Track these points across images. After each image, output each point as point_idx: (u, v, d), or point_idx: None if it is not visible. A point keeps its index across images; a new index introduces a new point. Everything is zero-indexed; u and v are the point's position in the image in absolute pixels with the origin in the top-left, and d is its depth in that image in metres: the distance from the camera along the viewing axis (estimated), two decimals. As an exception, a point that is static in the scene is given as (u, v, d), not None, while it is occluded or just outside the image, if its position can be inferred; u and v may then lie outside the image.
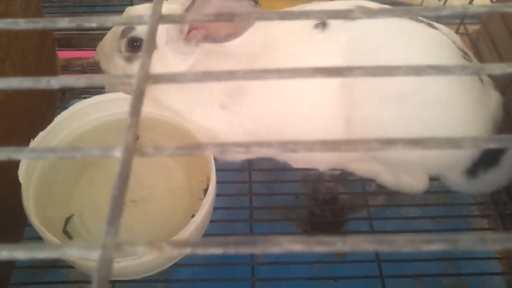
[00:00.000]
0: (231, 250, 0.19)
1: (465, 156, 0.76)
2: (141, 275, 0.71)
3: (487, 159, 0.75)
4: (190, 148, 0.25)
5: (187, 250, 0.20)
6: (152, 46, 0.30)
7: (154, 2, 0.32)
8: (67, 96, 1.02)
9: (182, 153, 0.24)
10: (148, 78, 0.27)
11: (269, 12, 0.35)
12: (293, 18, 0.32)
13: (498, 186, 0.78)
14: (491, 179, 0.76)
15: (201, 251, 0.19)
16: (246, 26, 0.71)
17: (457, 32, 0.94)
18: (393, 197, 0.94)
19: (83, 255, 0.20)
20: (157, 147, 0.24)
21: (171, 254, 0.52)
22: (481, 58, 0.88)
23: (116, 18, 0.34)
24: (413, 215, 0.94)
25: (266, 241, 0.19)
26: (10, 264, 0.75)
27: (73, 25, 0.28)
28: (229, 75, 0.27)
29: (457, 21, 0.97)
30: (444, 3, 1.01)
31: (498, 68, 0.25)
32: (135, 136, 0.24)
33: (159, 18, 0.32)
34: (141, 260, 0.65)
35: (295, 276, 0.79)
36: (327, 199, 1.01)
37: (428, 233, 0.87)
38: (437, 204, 0.91)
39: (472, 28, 0.96)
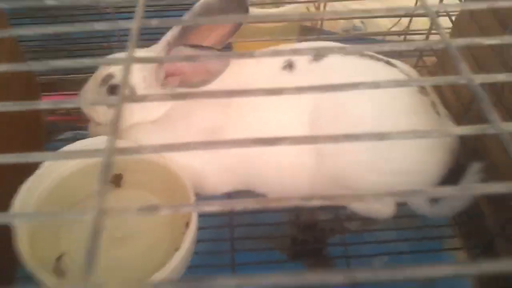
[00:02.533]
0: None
1: (427, 183, 0.82)
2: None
3: (446, 185, 0.81)
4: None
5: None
6: (126, 87, 0.36)
7: (129, 46, 0.38)
8: (50, 139, 1.07)
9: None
10: (114, 151, 0.32)
11: (235, 52, 0.42)
12: (260, 56, 0.38)
13: (456, 210, 0.85)
14: (450, 204, 0.83)
15: None
16: (217, 72, 0.78)
17: (416, 65, 1.02)
18: (368, 222, 1.00)
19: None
20: (125, 208, 0.29)
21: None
22: (438, 89, 0.95)
23: (98, 60, 0.40)
24: (389, 238, 1.00)
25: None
26: None
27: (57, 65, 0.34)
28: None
29: (417, 53, 1.05)
30: (404, 39, 1.10)
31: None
32: (104, 201, 0.29)
33: (132, 60, 0.38)
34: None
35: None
36: (308, 225, 1.07)
37: (403, 255, 0.93)
38: (411, 228, 0.97)
39: (431, 59, 1.04)
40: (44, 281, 0.70)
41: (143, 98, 0.35)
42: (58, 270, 0.80)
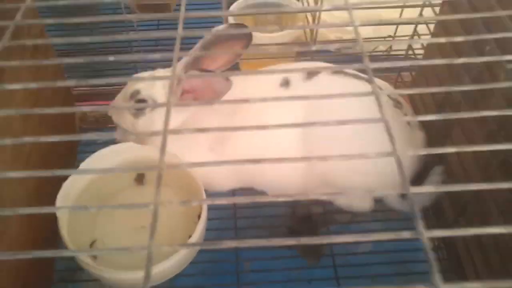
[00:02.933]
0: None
1: (397, 182, 0.98)
2: (153, 283, 0.91)
3: (414, 184, 0.97)
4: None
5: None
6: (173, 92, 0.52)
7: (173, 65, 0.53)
8: (82, 142, 1.24)
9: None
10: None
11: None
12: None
13: (423, 204, 1.01)
14: (417, 199, 0.99)
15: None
16: (222, 92, 0.94)
17: (396, 81, 1.18)
18: (356, 215, 1.13)
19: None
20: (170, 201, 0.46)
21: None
22: (415, 103, 1.11)
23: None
24: (374, 228, 1.15)
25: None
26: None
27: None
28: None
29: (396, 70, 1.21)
30: (389, 54, 1.26)
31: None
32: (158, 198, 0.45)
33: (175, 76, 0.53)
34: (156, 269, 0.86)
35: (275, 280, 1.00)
36: (304, 218, 1.22)
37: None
38: (393, 219, 1.11)
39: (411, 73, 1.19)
40: (83, 261, 0.87)
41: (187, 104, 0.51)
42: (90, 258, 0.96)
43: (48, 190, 0.95)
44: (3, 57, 0.82)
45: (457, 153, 0.92)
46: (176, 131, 0.44)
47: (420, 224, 0.35)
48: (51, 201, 0.90)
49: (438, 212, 0.98)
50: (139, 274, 0.85)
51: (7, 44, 0.53)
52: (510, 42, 0.69)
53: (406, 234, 0.36)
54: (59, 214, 0.91)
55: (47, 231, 0.94)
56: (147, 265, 0.35)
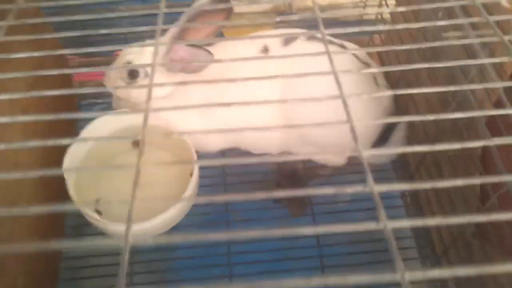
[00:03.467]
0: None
1: (368, 138, 1.10)
2: (152, 234, 1.04)
3: (381, 140, 1.09)
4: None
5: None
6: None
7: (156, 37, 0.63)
8: (81, 110, 1.35)
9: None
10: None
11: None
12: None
13: (390, 158, 1.13)
14: (385, 155, 1.11)
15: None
16: (205, 65, 1.04)
17: (368, 44, 1.27)
18: (337, 169, 1.25)
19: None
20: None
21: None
22: (384, 65, 1.21)
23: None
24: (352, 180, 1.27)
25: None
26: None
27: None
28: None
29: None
30: (362, 17, 1.35)
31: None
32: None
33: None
34: (151, 223, 0.99)
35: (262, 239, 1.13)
36: (288, 173, 1.34)
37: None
38: (372, 171, 1.23)
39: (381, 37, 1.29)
40: (89, 216, 0.99)
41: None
42: (96, 211, 1.09)
43: (54, 155, 1.06)
44: (5, 36, 0.91)
45: (417, 110, 1.03)
46: (157, 109, 0.54)
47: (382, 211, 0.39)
48: (59, 165, 1.02)
49: (404, 164, 1.11)
50: (139, 226, 0.98)
51: (12, 23, 0.62)
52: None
53: (371, 225, 0.39)
54: (67, 176, 1.02)
55: (57, 192, 1.06)
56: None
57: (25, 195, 0.90)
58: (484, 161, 0.79)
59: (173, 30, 1.10)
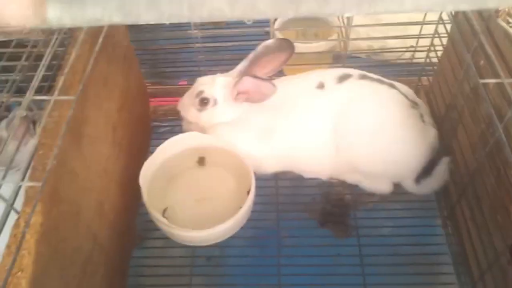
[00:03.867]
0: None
1: (412, 170, 1.19)
2: (211, 241, 1.17)
3: (425, 172, 1.18)
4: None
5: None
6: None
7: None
8: (153, 130, 1.53)
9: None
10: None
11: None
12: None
13: (433, 189, 1.21)
14: (428, 185, 1.19)
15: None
16: (269, 95, 1.18)
17: (417, 85, 1.38)
18: (383, 197, 1.29)
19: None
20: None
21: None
22: (430, 104, 1.31)
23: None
24: (396, 208, 1.34)
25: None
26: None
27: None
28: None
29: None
30: (411, 60, 1.46)
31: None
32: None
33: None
34: (212, 231, 1.12)
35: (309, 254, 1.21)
36: (336, 199, 1.41)
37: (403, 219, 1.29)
38: (414, 201, 1.27)
39: (426, 80, 1.39)
40: (161, 222, 1.14)
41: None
42: (164, 218, 1.23)
43: (133, 167, 1.23)
44: (107, 64, 1.10)
45: (460, 146, 1.12)
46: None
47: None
48: (135, 176, 1.18)
49: (446, 195, 1.19)
50: (201, 233, 1.12)
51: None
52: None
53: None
54: (142, 185, 1.18)
55: (132, 198, 1.22)
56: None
57: (110, 198, 1.06)
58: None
59: (241, 65, 1.27)
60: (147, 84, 1.47)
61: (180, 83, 1.61)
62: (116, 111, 1.14)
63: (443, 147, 1.20)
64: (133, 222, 1.26)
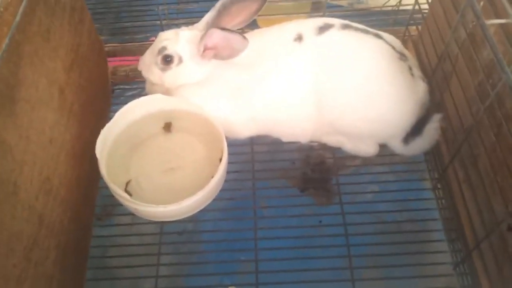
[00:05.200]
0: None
1: (401, 129, 1.08)
2: (181, 216, 1.05)
3: (414, 131, 1.07)
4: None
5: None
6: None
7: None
8: (115, 94, 1.37)
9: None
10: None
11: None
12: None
13: (423, 149, 1.11)
14: (418, 145, 1.09)
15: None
16: (240, 50, 1.04)
17: (404, 35, 1.25)
18: (367, 160, 1.20)
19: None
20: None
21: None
22: (419, 55, 1.19)
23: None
24: (381, 171, 1.25)
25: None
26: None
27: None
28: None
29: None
30: (398, 8, 1.32)
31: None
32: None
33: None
34: (180, 205, 1.00)
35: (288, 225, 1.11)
36: (317, 163, 1.31)
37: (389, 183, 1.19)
38: (401, 163, 1.18)
39: (415, 29, 1.26)
40: (122, 197, 1.01)
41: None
42: (127, 192, 1.10)
43: (87, 134, 1.08)
44: (49, 16, 0.94)
45: (453, 101, 1.01)
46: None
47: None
48: (92, 145, 1.04)
49: (437, 156, 1.08)
50: (168, 208, 1.00)
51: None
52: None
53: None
54: (99, 156, 1.04)
55: (89, 171, 1.08)
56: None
57: (58, 171, 0.93)
58: (524, 153, 0.76)
59: (207, 16, 1.11)
60: (104, 42, 1.30)
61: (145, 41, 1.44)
62: (63, 72, 0.99)
63: (434, 103, 1.09)
64: (91, 198, 1.13)
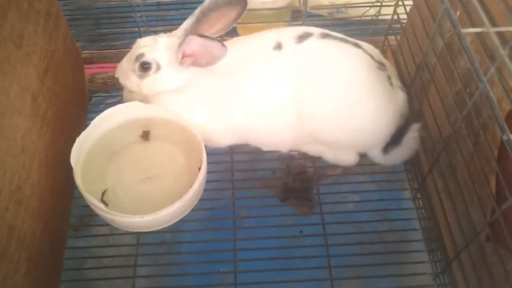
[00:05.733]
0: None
1: (380, 138, 1.08)
2: (158, 227, 1.03)
3: (394, 140, 1.07)
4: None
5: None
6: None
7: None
8: (91, 102, 1.35)
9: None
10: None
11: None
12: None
13: (402, 159, 1.11)
14: (397, 154, 1.08)
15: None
16: (219, 57, 1.03)
17: (383, 45, 1.25)
18: (347, 169, 1.19)
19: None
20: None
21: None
22: (398, 65, 1.19)
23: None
24: (361, 181, 1.24)
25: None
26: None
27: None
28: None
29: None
30: (377, 18, 1.33)
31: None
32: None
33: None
34: (157, 215, 0.98)
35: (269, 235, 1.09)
36: (298, 172, 1.29)
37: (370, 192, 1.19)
38: (381, 172, 1.18)
39: (394, 39, 1.27)
40: (96, 206, 0.98)
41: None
42: (103, 202, 1.07)
43: (61, 143, 1.06)
44: (22, 22, 0.91)
45: (432, 110, 1.01)
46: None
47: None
48: (66, 154, 1.01)
49: (416, 166, 1.08)
50: (145, 218, 0.97)
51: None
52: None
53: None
54: (74, 164, 1.01)
55: (64, 180, 1.05)
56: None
57: (31, 181, 0.90)
58: (501, 162, 0.76)
59: (186, 23, 1.10)
60: (81, 48, 1.28)
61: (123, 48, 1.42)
62: (36, 78, 0.96)
63: (413, 113, 1.09)
64: (66, 208, 1.10)
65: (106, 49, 1.36)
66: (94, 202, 0.98)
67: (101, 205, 0.99)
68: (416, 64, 1.07)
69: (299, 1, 1.31)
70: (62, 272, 1.03)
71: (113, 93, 1.35)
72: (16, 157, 0.85)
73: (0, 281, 0.76)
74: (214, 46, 1.00)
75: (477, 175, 0.84)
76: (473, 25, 0.78)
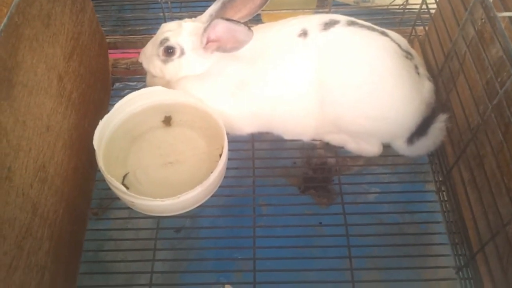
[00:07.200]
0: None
1: (405, 128, 1.06)
2: (178, 211, 1.03)
3: (419, 131, 1.05)
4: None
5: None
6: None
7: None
8: (114, 87, 1.35)
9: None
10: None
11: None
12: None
13: (428, 150, 1.08)
14: (422, 145, 1.06)
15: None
16: (244, 42, 1.02)
17: (410, 35, 1.23)
18: (369, 161, 1.17)
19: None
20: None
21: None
22: (426, 55, 1.17)
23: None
24: (384, 172, 1.21)
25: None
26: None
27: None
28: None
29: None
30: (404, 8, 1.30)
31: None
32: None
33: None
34: (178, 199, 0.98)
35: (288, 224, 1.08)
36: (318, 164, 1.27)
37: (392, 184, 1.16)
38: (404, 164, 1.15)
39: (421, 29, 1.24)
40: (119, 190, 0.98)
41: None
42: (124, 185, 1.07)
43: (85, 125, 1.06)
44: (50, 2, 0.92)
45: (460, 100, 0.99)
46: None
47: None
48: (88, 136, 1.01)
49: (442, 157, 1.06)
50: (166, 202, 0.97)
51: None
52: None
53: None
54: (96, 147, 1.02)
55: (86, 162, 1.06)
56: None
57: (55, 160, 0.90)
58: (532, 153, 0.74)
59: (211, 8, 1.09)
60: (105, 33, 1.28)
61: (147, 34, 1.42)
62: (62, 59, 0.96)
63: (440, 103, 1.07)
64: (87, 190, 1.10)
65: (130, 35, 1.37)
66: (115, 184, 0.98)
67: (123, 188, 0.99)
68: (445, 53, 1.05)
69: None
70: (82, 253, 1.04)
71: (134, 80, 1.35)
72: (41, 135, 0.85)
73: (24, 257, 0.77)
74: (240, 30, 0.99)
75: (506, 166, 0.82)
76: (507, 10, 0.76)
